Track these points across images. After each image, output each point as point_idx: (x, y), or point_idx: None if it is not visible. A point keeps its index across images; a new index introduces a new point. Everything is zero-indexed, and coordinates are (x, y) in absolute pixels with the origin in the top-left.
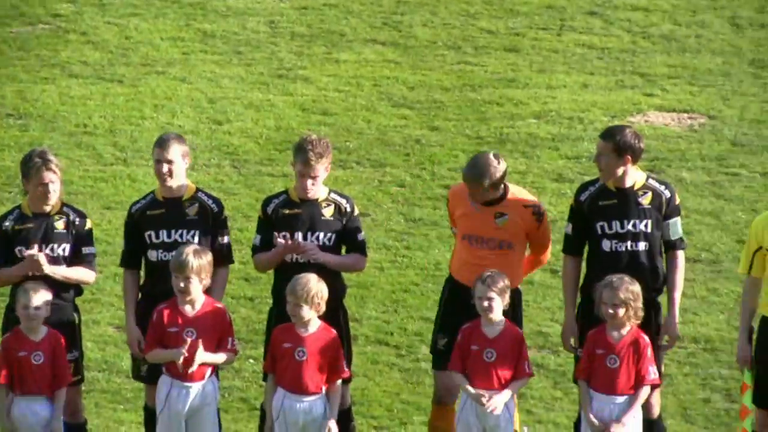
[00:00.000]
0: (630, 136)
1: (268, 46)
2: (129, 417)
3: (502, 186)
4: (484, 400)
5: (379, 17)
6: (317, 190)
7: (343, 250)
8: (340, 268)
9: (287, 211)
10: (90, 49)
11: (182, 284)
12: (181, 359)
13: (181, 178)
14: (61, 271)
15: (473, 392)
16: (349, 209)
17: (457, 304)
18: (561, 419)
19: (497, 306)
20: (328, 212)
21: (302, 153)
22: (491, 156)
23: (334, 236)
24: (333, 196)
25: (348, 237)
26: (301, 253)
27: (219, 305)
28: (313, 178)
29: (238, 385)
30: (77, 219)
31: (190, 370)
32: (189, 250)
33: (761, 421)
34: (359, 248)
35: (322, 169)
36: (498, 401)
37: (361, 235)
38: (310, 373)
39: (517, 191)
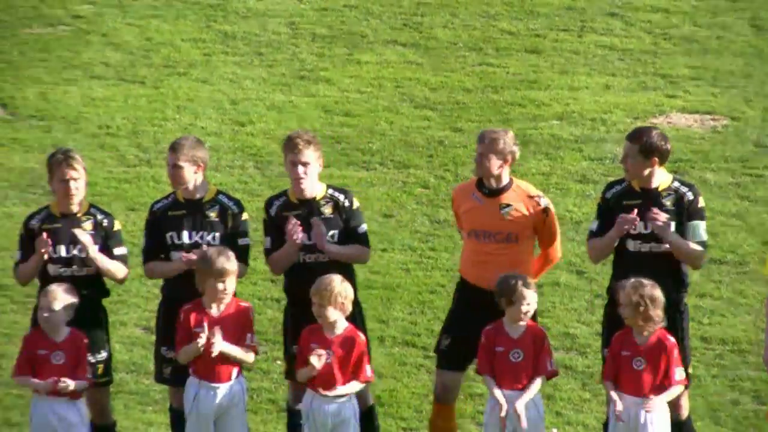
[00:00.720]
0: (657, 137)
1: (289, 47)
2: (158, 418)
3: (509, 177)
4: (505, 408)
5: (399, 18)
6: (312, 186)
7: None
8: (344, 258)
9: (287, 213)
10: (111, 50)
11: (221, 286)
12: (203, 340)
13: (194, 181)
14: (102, 260)
15: (501, 399)
16: (347, 204)
17: (465, 305)
18: (590, 420)
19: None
20: (327, 210)
21: (290, 142)
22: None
23: (336, 234)
24: (330, 192)
25: (350, 231)
26: (315, 233)
27: (244, 304)
28: (304, 164)
29: (267, 387)
30: (105, 220)
31: (213, 354)
32: (216, 254)
33: None
34: (362, 241)
35: (314, 157)
36: (520, 405)
37: (363, 228)
38: (337, 375)
39: (522, 183)
